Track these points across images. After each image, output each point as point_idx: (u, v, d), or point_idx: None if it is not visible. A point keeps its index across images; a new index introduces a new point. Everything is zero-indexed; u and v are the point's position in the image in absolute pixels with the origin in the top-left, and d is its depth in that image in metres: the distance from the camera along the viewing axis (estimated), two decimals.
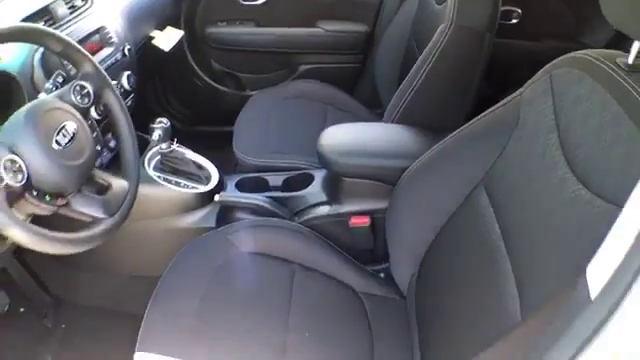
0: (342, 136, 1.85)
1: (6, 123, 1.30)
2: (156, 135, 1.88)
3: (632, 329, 0.64)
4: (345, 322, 1.53)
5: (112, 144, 1.88)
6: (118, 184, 1.47)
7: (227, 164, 2.11)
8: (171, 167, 1.95)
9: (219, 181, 1.97)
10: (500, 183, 1.26)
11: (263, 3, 2.71)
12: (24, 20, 1.70)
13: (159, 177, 1.91)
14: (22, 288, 2.22)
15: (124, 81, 1.93)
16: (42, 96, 1.47)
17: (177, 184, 1.91)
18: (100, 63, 1.84)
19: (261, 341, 1.42)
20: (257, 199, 1.89)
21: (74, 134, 1.35)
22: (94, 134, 1.45)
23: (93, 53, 1.87)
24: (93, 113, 1.55)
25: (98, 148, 1.47)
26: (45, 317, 2.23)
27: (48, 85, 1.53)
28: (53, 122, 1.32)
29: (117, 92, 1.54)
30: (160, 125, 1.87)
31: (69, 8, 1.88)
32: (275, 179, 2.03)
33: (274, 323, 1.46)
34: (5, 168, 1.19)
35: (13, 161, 1.21)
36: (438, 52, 1.73)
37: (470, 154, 1.37)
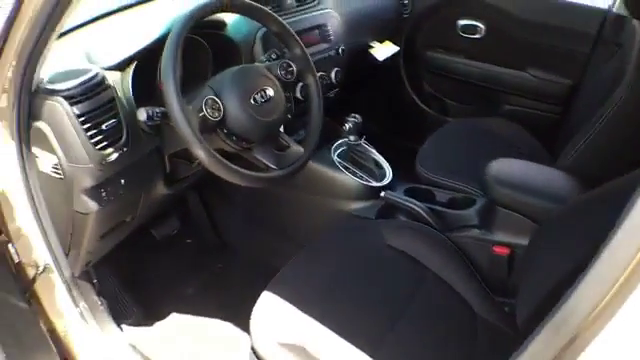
0: (507, 167, 1.85)
1: (219, 74, 1.53)
2: (347, 127, 2.03)
3: None
4: (451, 338, 1.54)
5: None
6: (295, 148, 1.66)
7: (404, 173, 2.18)
8: (353, 158, 2.09)
9: (391, 182, 2.06)
10: None
11: (480, 38, 2.75)
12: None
13: (340, 163, 2.06)
14: (196, 221, 2.49)
15: (332, 75, 2.12)
16: (256, 64, 1.68)
17: (354, 173, 2.05)
18: (314, 54, 2.05)
19: (364, 328, 1.47)
20: (419, 206, 1.94)
21: (270, 98, 1.55)
22: (288, 104, 1.64)
23: (310, 45, 2.08)
24: (298, 93, 1.76)
25: (288, 117, 1.66)
26: (206, 253, 2.48)
27: (262, 58, 1.75)
28: (256, 83, 1.54)
29: (317, 78, 1.72)
30: (353, 119, 2.02)
31: (297, 1, 2.11)
32: (442, 195, 2.06)
33: (385, 316, 1.51)
34: (206, 103, 1.42)
35: (214, 101, 1.45)
36: (620, 103, 1.69)
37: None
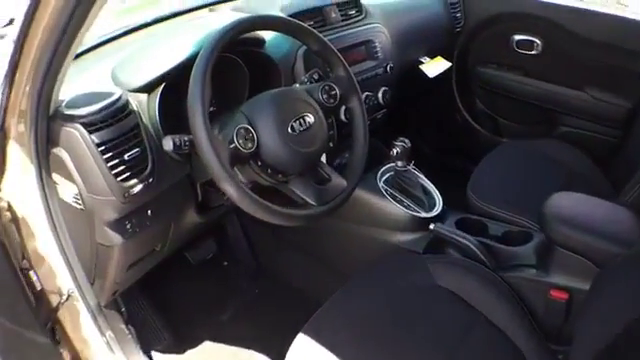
0: (567, 203, 1.68)
1: (254, 97, 1.38)
2: (394, 152, 1.86)
3: None
4: None
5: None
6: (337, 181, 1.48)
7: (455, 199, 2.03)
8: (400, 185, 1.93)
9: (440, 212, 1.90)
10: None
11: (536, 54, 2.56)
12: (296, 15, 1.80)
13: (386, 191, 1.90)
14: (233, 245, 2.37)
15: (380, 95, 1.96)
16: (295, 86, 1.53)
17: (400, 202, 1.89)
18: (360, 73, 1.90)
19: None
20: (470, 241, 1.78)
21: (310, 125, 1.39)
22: (330, 132, 1.48)
23: (356, 62, 1.92)
24: (342, 116, 1.61)
25: (330, 145, 1.50)
26: (243, 278, 2.37)
27: (304, 78, 1.60)
28: (295, 110, 1.38)
29: (362, 100, 1.56)
30: (401, 144, 1.85)
31: (342, 15, 1.95)
32: (496, 228, 1.90)
33: None
34: (238, 134, 1.27)
35: (247, 130, 1.29)
36: None
37: None
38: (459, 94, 2.87)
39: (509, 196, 2.04)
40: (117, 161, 1.32)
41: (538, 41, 2.54)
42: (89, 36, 1.24)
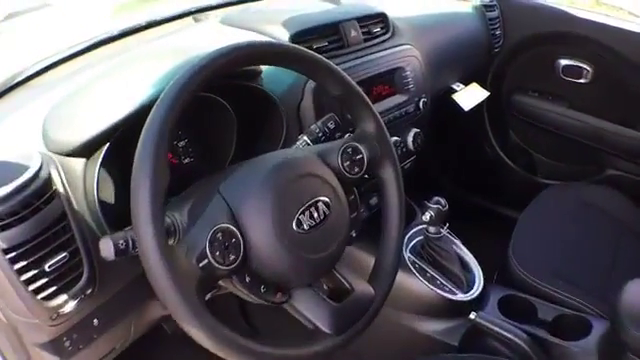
0: None
1: (240, 169, 0.93)
2: (428, 216, 1.44)
3: None
4: None
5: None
6: (361, 290, 1.00)
7: (491, 255, 1.67)
8: (431, 256, 1.53)
9: (481, 292, 1.51)
10: None
11: (584, 83, 2.14)
12: (305, 34, 1.37)
13: (414, 264, 1.51)
14: (220, 305, 1.94)
15: (409, 140, 1.52)
16: (300, 146, 1.10)
17: (432, 280, 1.50)
18: (386, 113, 1.48)
19: None
20: (517, 334, 1.43)
21: (325, 216, 0.94)
22: (353, 214, 1.03)
23: (381, 98, 1.48)
24: (370, 200, 1.31)
25: (353, 235, 1.05)
26: None
27: (314, 127, 1.14)
28: (303, 194, 0.93)
29: (399, 166, 1.10)
30: (437, 206, 1.43)
31: (364, 34, 1.51)
32: (546, 311, 1.53)
33: None
34: (213, 241, 0.82)
35: (229, 232, 0.83)
36: None
37: None
38: (490, 123, 2.44)
39: (558, 264, 1.68)
40: (35, 272, 0.87)
41: (588, 68, 2.12)
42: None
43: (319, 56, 0.99)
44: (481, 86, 2.02)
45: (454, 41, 1.92)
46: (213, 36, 1.46)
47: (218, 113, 1.21)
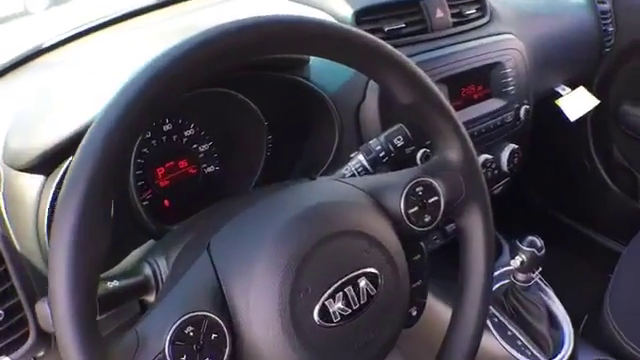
0: None
1: (243, 213, 0.63)
2: (517, 262, 1.08)
3: None
4: None
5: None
6: None
7: (584, 293, 1.41)
8: (515, 308, 1.19)
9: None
10: None
11: None
12: (376, 10, 1.05)
13: (493, 318, 1.17)
14: None
15: (504, 158, 1.16)
16: (352, 169, 0.78)
17: (512, 340, 1.16)
18: (477, 122, 1.12)
19: None
20: None
21: (369, 299, 0.59)
22: (416, 283, 0.71)
23: (472, 102, 1.12)
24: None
25: (413, 313, 0.73)
26: None
27: (375, 142, 0.79)
28: (336, 265, 0.59)
29: (490, 211, 0.73)
30: (531, 250, 1.06)
31: (454, 16, 1.15)
32: None
33: None
34: (179, 338, 0.51)
35: (210, 325, 0.53)
36: None
37: None
38: (593, 134, 2.02)
39: None
40: None
41: None
42: None
43: (378, 41, 0.61)
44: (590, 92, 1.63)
45: (563, 34, 1.51)
46: (243, 10, 1.12)
47: (243, 113, 0.89)
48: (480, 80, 1.15)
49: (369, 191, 0.66)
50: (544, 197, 2.18)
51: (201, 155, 0.95)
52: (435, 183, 0.68)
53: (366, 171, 0.77)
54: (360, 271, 0.58)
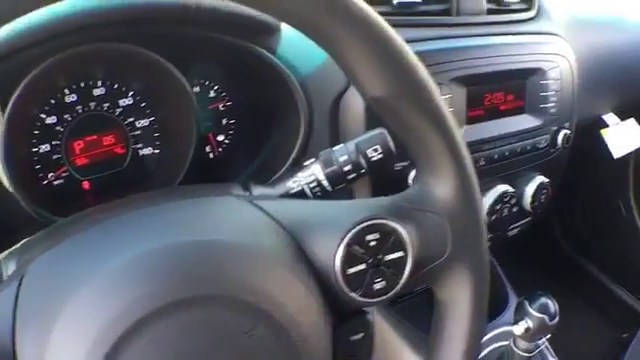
0: None
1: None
2: (522, 328, 0.82)
3: None
4: None
5: None
6: None
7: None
8: None
9: None
10: None
11: None
12: None
13: None
14: None
15: (527, 193, 0.89)
16: (294, 185, 0.55)
17: None
18: (502, 141, 0.88)
19: None
20: None
21: None
22: None
23: (497, 114, 0.86)
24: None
25: None
26: None
27: (340, 150, 0.53)
28: (186, 354, 0.36)
29: (486, 276, 0.46)
30: (542, 316, 0.81)
31: (490, 1, 0.90)
32: None
33: None
34: None
35: None
36: None
37: None
38: (634, 178, 1.75)
39: None
40: None
41: None
42: None
43: (373, 13, 0.36)
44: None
45: (624, 51, 1.23)
46: None
47: (178, 89, 0.69)
48: (512, 88, 0.87)
49: (293, 227, 0.40)
50: (565, 240, 1.91)
51: (136, 132, 0.75)
52: (401, 229, 0.42)
53: (321, 189, 0.51)
54: None
